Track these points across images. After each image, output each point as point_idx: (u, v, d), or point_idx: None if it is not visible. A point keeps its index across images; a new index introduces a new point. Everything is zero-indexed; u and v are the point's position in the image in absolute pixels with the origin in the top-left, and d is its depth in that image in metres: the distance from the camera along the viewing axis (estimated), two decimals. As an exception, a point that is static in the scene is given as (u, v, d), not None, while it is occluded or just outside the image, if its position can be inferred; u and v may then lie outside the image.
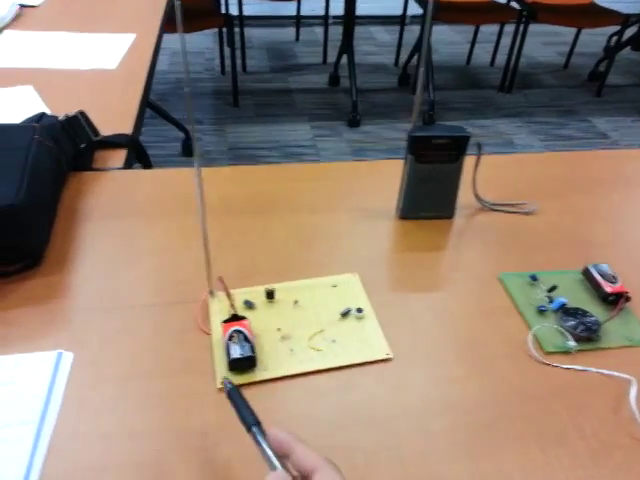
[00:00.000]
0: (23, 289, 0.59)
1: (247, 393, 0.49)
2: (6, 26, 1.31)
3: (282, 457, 0.36)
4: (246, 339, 0.52)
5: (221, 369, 0.51)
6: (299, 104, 2.73)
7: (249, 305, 0.57)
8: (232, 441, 0.46)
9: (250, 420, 0.38)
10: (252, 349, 0.51)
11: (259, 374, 0.50)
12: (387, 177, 0.79)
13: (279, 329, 0.55)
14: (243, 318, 0.54)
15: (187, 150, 2.26)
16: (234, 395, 0.41)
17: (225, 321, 0.54)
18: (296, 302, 0.58)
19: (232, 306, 0.54)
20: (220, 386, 0.49)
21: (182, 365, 0.52)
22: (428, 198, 0.69)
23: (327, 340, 0.54)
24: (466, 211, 0.73)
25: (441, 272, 0.63)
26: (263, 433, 0.37)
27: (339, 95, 2.83)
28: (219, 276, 0.55)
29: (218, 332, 0.54)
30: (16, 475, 0.43)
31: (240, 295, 0.58)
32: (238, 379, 0.50)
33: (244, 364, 0.50)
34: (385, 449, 0.46)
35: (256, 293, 0.59)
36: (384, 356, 0.53)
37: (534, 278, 0.62)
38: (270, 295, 0.58)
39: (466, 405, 0.49)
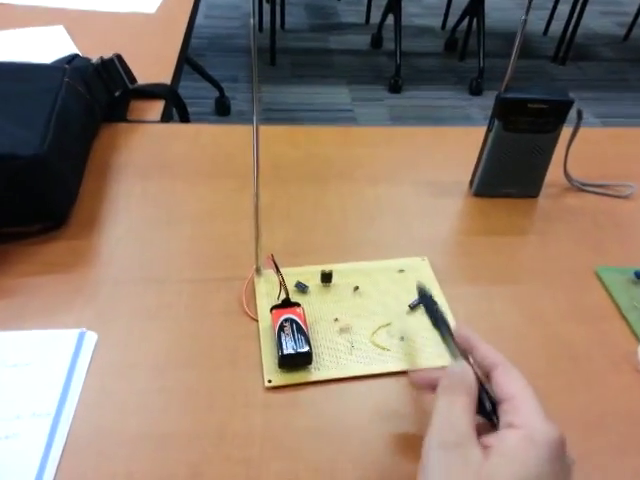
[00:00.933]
0: (44, 254, 0.51)
1: (299, 395, 0.42)
2: (38, -38, 1.22)
3: (466, 352, 0.36)
4: (300, 330, 0.43)
5: (269, 364, 0.43)
6: (338, 66, 2.59)
7: (302, 288, 0.49)
8: (282, 453, 0.38)
9: (437, 316, 0.38)
10: (308, 343, 0.42)
11: (314, 373, 0.42)
12: (457, 146, 0.69)
13: (337, 319, 0.47)
14: (296, 304, 0.46)
15: (220, 108, 2.16)
16: (424, 295, 0.41)
17: (275, 307, 0.46)
18: (356, 288, 0.49)
19: (284, 289, 0.46)
20: (268, 385, 0.42)
21: (224, 356, 0.44)
22: (511, 173, 0.59)
23: (394, 336, 0.45)
24: (552, 190, 0.63)
25: (526, 262, 0.54)
26: (449, 328, 0.37)
27: (381, 58, 2.67)
28: (270, 254, 0.46)
29: (266, 318, 0.46)
30: (26, 478, 0.36)
31: (291, 276, 0.49)
32: (288, 378, 0.42)
33: (298, 361, 0.42)
34: (466, 477, 0.37)
35: (310, 275, 0.50)
36: (463, 361, 0.44)
37: (639, 275, 0.52)
38: (326, 278, 0.49)
39: (564, 428, 0.40)
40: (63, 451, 0.37)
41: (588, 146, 0.70)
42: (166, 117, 0.72)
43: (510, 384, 0.33)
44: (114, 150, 0.65)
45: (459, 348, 0.36)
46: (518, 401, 0.31)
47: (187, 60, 1.99)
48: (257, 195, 0.45)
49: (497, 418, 0.32)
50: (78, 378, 0.41)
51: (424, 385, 0.38)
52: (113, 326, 0.45)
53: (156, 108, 0.74)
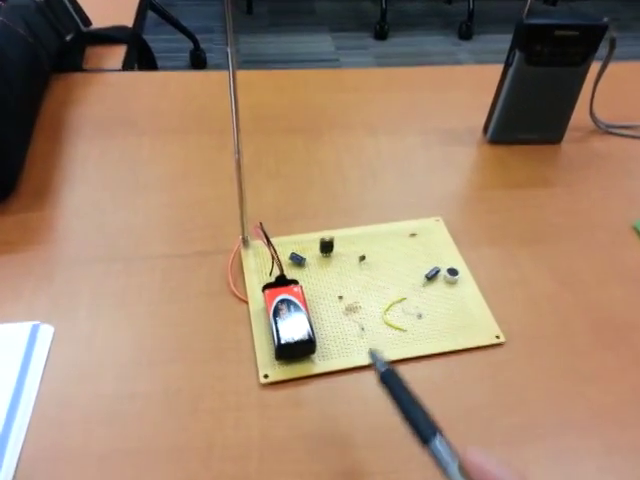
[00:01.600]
0: (-14, 231, 0.43)
1: (302, 391, 0.35)
2: None
3: None
4: (300, 314, 0.36)
5: (264, 355, 0.36)
6: (320, 12, 2.44)
7: (298, 261, 0.41)
8: (286, 466, 0.31)
9: (427, 429, 0.24)
10: (311, 329, 0.35)
11: (319, 364, 0.35)
12: (466, 87, 0.60)
13: (341, 297, 0.39)
14: (293, 282, 0.38)
15: (195, 62, 2.02)
16: (392, 382, 0.26)
17: (268, 285, 0.38)
18: (362, 258, 0.42)
19: (277, 263, 0.38)
20: (264, 381, 0.34)
21: (208, 347, 0.36)
22: (532, 115, 0.51)
23: (410, 314, 0.38)
24: (575, 134, 0.55)
25: (554, 217, 0.47)
26: (449, 451, 0.23)
27: (364, 3, 2.52)
28: (258, 222, 0.39)
29: (258, 300, 0.38)
30: (-29, 514, 0.29)
31: (284, 246, 0.42)
32: (288, 371, 0.35)
33: (298, 350, 0.35)
34: None
35: (306, 244, 0.42)
36: (493, 340, 0.37)
37: (685, 229, 0.45)
38: (326, 247, 0.42)
39: (620, 418, 0.34)
40: (13, 479, 0.30)
41: (611, 83, 0.61)
42: (129, 65, 0.62)
43: None
44: (69, 105, 0.55)
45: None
46: None
47: (155, 8, 1.84)
48: (239, 151, 0.37)
49: None
50: (31, 383, 0.34)
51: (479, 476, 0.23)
52: (73, 316, 0.38)
53: (117, 55, 0.64)
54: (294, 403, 0.34)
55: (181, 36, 2.00)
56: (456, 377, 0.36)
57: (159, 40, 2.11)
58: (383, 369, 0.27)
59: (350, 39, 2.26)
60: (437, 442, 0.23)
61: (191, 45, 2.02)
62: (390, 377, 0.26)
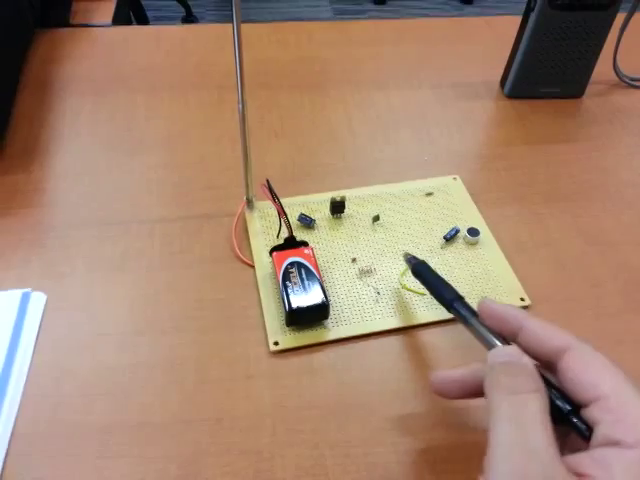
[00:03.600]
0: (-29, 194, 0.40)
1: (315, 359, 0.32)
2: None
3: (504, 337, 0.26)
4: (311, 277, 0.33)
5: (274, 321, 0.33)
6: (316, -24, 2.36)
7: (307, 223, 0.38)
8: (300, 436, 0.29)
9: (449, 296, 0.29)
10: (323, 292, 0.32)
11: (333, 330, 0.33)
12: (481, 39, 0.57)
13: (355, 260, 0.37)
14: (303, 244, 0.36)
15: (190, 29, 1.96)
16: (423, 271, 0.32)
17: (275, 248, 0.35)
18: (376, 219, 0.39)
19: (285, 224, 0.36)
20: (274, 348, 0.32)
21: (214, 314, 0.34)
22: (551, 67, 0.48)
23: (429, 277, 0.36)
24: (597, 88, 0.52)
25: (579, 174, 0.44)
26: (470, 309, 0.28)
27: (362, -34, 2.43)
28: (266, 179, 0.36)
29: (265, 263, 0.36)
30: (-37, 494, 0.26)
31: (292, 207, 0.39)
32: (300, 338, 0.33)
33: (311, 316, 0.33)
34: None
35: (316, 205, 0.40)
36: (517, 303, 0.35)
37: None
38: (338, 208, 0.39)
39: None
40: (6, 456, 0.28)
41: (635, 35, 0.58)
42: (119, 21, 0.58)
43: (597, 376, 0.22)
44: (55, 62, 0.52)
45: (493, 332, 0.26)
46: (616, 403, 0.21)
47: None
48: (242, 101, 0.34)
49: (581, 422, 0.22)
50: (23, 355, 0.32)
51: (454, 391, 0.27)
52: (66, 284, 0.35)
53: (106, 10, 0.59)
54: (307, 371, 0.32)
55: (171, 2, 1.94)
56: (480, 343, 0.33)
57: (147, 7, 2.04)
58: (414, 262, 0.33)
59: (348, 3, 2.19)
60: (458, 304, 0.28)
61: (183, 12, 1.95)
62: (420, 267, 0.32)
